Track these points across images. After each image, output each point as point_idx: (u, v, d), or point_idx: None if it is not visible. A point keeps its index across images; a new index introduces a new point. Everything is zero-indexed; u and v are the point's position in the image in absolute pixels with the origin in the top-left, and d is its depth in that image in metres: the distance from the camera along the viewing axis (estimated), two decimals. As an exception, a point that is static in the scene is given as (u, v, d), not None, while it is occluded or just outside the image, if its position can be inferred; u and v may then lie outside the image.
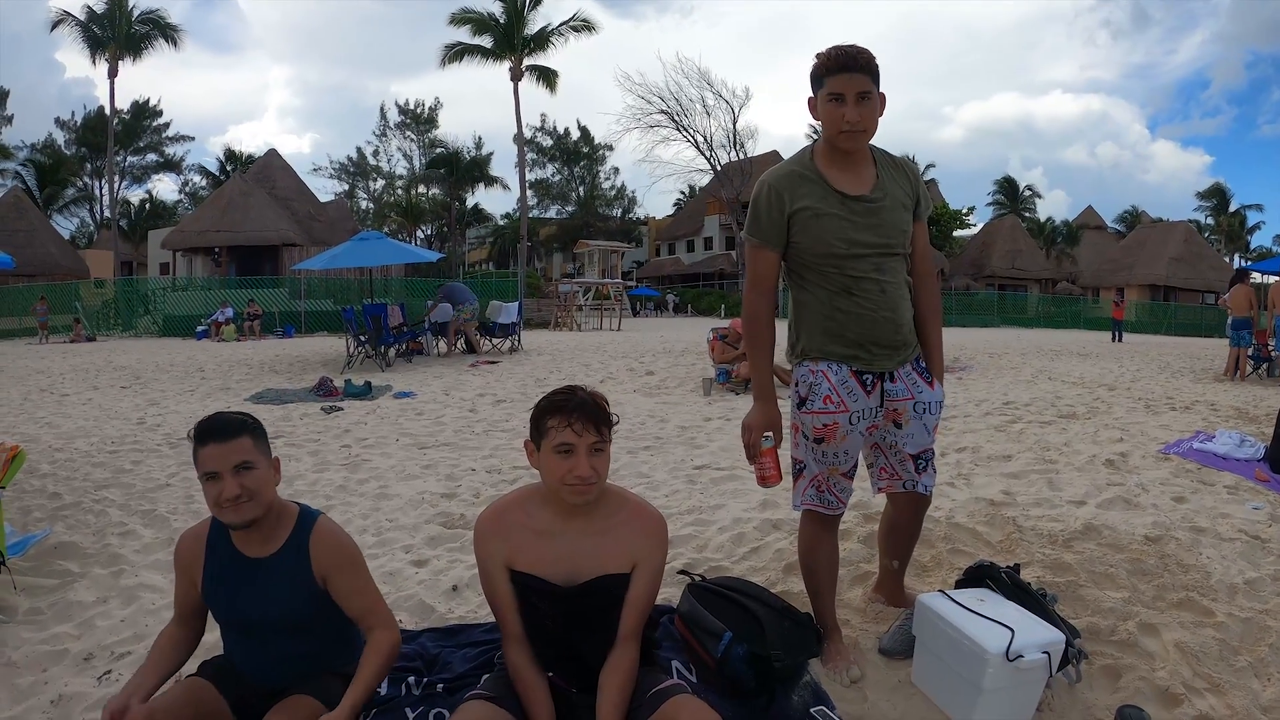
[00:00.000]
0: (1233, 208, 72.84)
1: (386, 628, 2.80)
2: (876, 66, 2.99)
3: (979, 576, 3.41)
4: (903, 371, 3.22)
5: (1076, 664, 3.06)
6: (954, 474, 6.37)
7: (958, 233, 63.56)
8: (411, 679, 3.28)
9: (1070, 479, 6.20)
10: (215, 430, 2.63)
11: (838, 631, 3.44)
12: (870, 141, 3.12)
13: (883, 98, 3.06)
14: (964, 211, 65.85)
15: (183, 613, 2.87)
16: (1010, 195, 73.42)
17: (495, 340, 20.05)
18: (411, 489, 6.44)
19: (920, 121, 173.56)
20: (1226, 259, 62.93)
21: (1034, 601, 3.20)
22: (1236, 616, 3.71)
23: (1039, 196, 76.43)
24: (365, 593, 2.82)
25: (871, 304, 3.11)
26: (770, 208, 3.13)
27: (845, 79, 2.96)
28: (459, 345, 19.15)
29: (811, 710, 2.82)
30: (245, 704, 2.69)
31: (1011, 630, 2.85)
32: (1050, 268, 63.14)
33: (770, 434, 3.20)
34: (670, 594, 3.86)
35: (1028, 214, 72.05)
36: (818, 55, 3.03)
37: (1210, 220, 72.83)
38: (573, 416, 2.53)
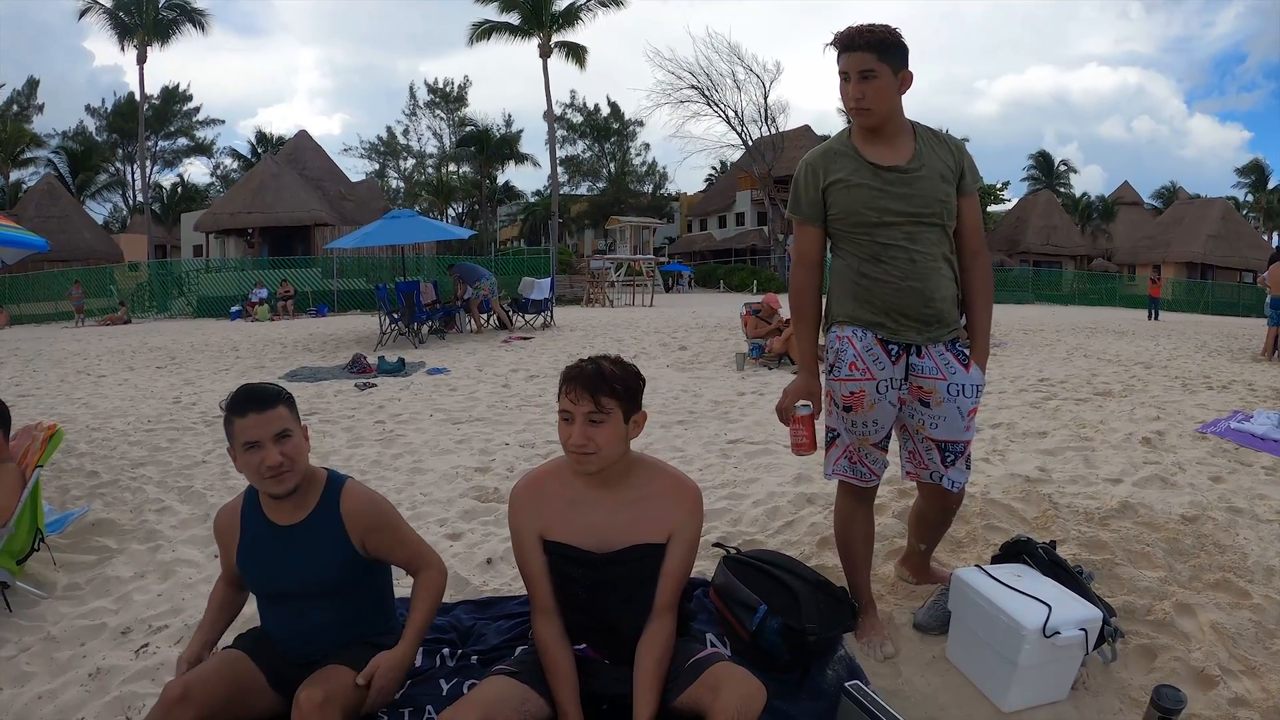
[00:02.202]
0: (1271, 185, 71.47)
1: (432, 567, 2.92)
2: (886, 42, 3.00)
3: (1015, 552, 3.39)
4: (934, 349, 3.18)
5: (1112, 642, 3.04)
6: (989, 450, 6.34)
7: (992, 208, 63.00)
8: (446, 650, 3.32)
9: (1106, 457, 6.14)
10: (253, 400, 2.65)
11: (873, 606, 3.44)
12: (892, 115, 3.10)
13: (907, 75, 3.07)
14: (998, 186, 65.28)
15: (229, 579, 2.97)
16: (1045, 170, 72.48)
17: (528, 316, 20.13)
18: (445, 463, 6.49)
19: (954, 95, 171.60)
20: (1265, 237, 61.87)
21: (1071, 578, 3.19)
22: (1273, 599, 3.67)
23: (1074, 171, 75.65)
24: (406, 541, 2.91)
25: (899, 272, 3.10)
26: (808, 184, 3.21)
27: (847, 58, 3.03)
28: (490, 321, 19.18)
29: (846, 684, 2.81)
30: (281, 676, 2.71)
31: (1049, 606, 2.83)
32: (1086, 244, 62.43)
33: (808, 403, 3.22)
34: (705, 566, 3.87)
35: (1063, 189, 71.06)
36: None
37: (1249, 197, 71.52)
38: (571, 385, 2.58)
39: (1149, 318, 29.33)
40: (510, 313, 19.73)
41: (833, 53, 3.08)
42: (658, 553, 2.71)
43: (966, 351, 3.25)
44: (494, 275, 20.42)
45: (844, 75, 3.04)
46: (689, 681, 2.52)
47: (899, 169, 3.08)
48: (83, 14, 45.95)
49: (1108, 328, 21.90)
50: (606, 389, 2.56)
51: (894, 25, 3.05)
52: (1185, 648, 3.24)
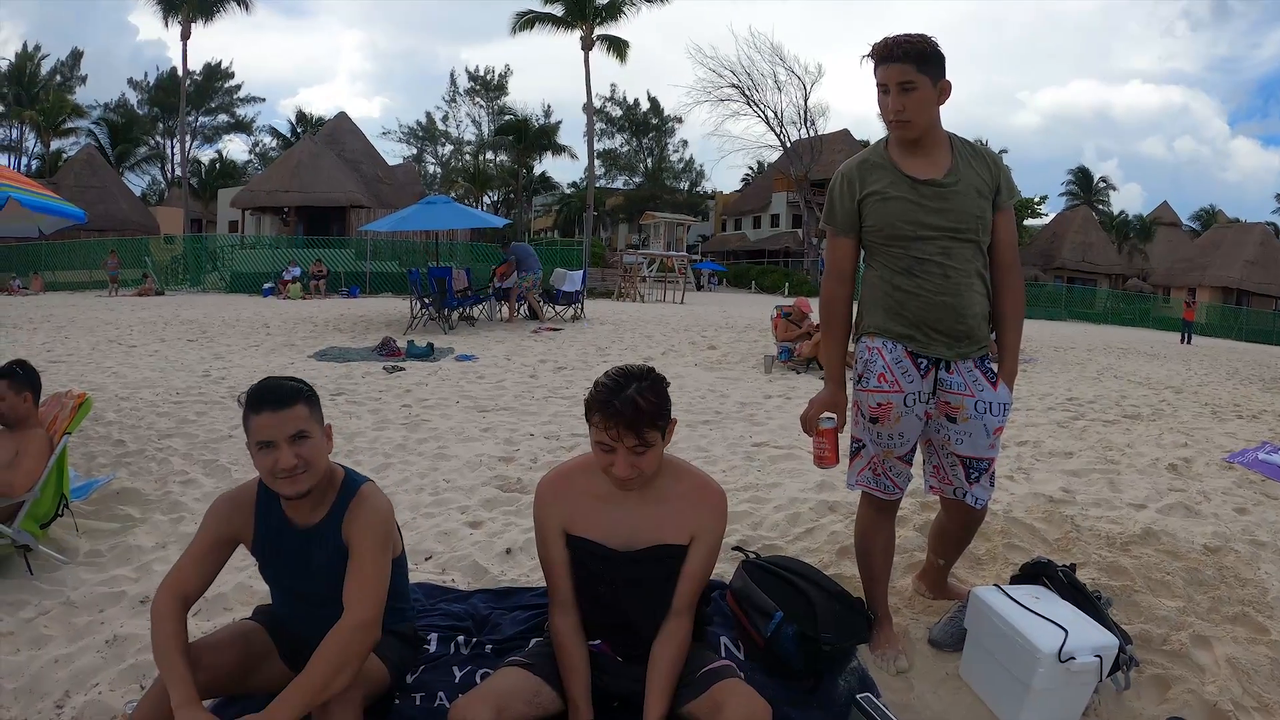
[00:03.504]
0: (1313, 211, 70.78)
1: (358, 620, 2.45)
2: (926, 53, 2.97)
3: (1035, 574, 3.38)
4: (962, 365, 3.16)
5: (1126, 671, 3.02)
6: (1014, 467, 6.31)
7: (1029, 222, 62.60)
8: (461, 638, 3.35)
9: (1131, 481, 6.10)
10: (271, 397, 2.51)
11: (888, 619, 3.43)
12: (931, 127, 3.08)
13: (945, 85, 3.04)
14: (1036, 200, 64.85)
15: (186, 578, 2.59)
16: (1084, 186, 71.91)
17: (558, 307, 20.15)
18: (470, 451, 6.53)
19: (995, 105, 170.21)
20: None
21: (1089, 603, 3.17)
22: (1292, 635, 3.63)
23: (1113, 189, 74.71)
24: (360, 574, 2.53)
25: (932, 286, 3.09)
26: (843, 195, 3.21)
27: (884, 70, 3.00)
28: (521, 311, 19.21)
29: (857, 696, 2.82)
30: (296, 653, 2.68)
31: (1065, 630, 2.82)
32: (1121, 263, 61.94)
33: (832, 415, 3.24)
34: (724, 569, 3.87)
35: (1101, 206, 70.51)
36: None
37: (1289, 224, 70.80)
38: (611, 421, 2.49)
39: (1182, 341, 29.13)
40: (541, 303, 19.72)
41: (869, 64, 3.07)
42: (679, 553, 2.72)
43: (995, 369, 3.23)
44: (541, 269, 20.28)
45: (882, 87, 3.02)
46: (697, 693, 2.54)
47: (936, 183, 3.06)
48: (128, -12, 46.39)
49: (1139, 349, 21.73)
50: (648, 422, 2.51)
51: (932, 34, 3.02)
52: (1199, 680, 3.20)
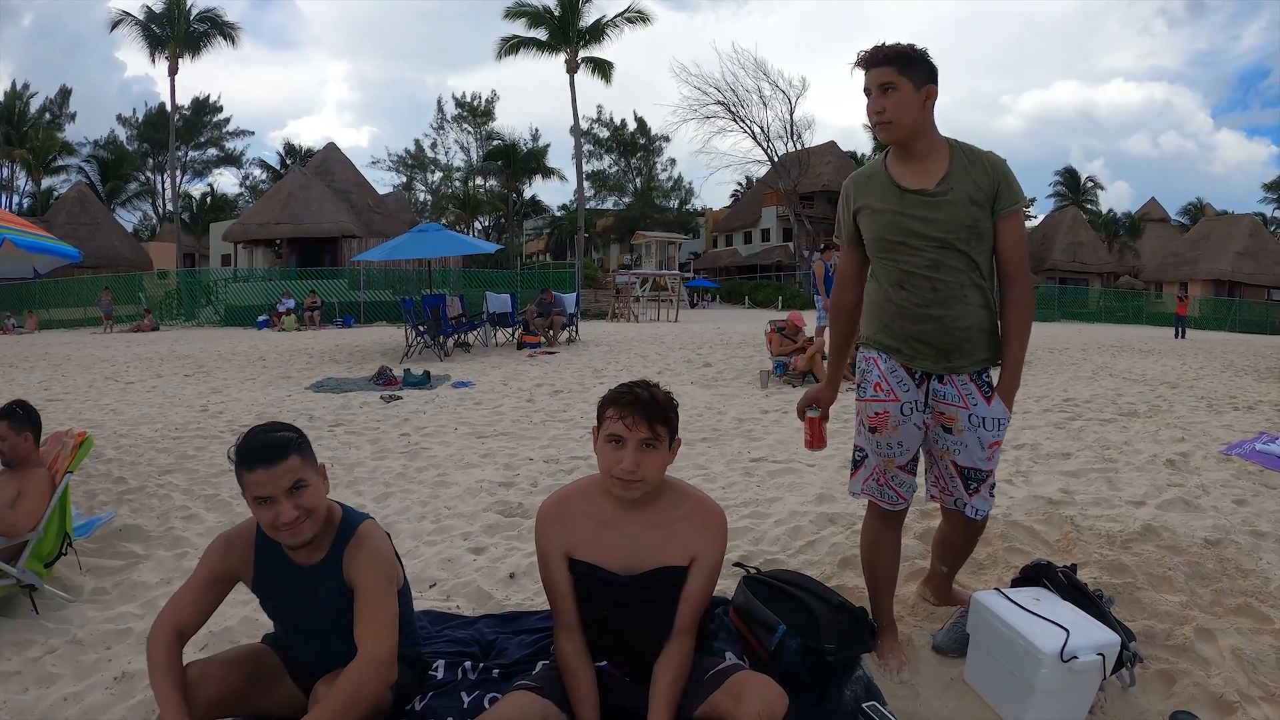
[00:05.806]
0: (1300, 200, 71.01)
1: (371, 658, 2.49)
2: (906, 56, 3.00)
3: (1035, 576, 3.39)
4: (957, 378, 3.15)
5: (1131, 667, 3.04)
6: (1012, 471, 6.33)
7: (1019, 225, 62.59)
8: (468, 664, 3.35)
9: (1130, 479, 6.12)
10: (263, 453, 2.47)
11: (893, 627, 3.44)
12: (920, 133, 3.06)
13: (930, 90, 3.03)
14: (1025, 203, 64.89)
15: (182, 612, 2.62)
16: (1072, 186, 72.09)
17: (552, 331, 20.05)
18: (470, 477, 6.52)
19: (979, 111, 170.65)
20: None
21: (1090, 602, 3.18)
22: (1295, 625, 3.64)
23: (1101, 188, 74.81)
24: (371, 615, 2.56)
25: (919, 299, 3.09)
26: (843, 209, 3.32)
27: (868, 75, 3.04)
28: (556, 336, 19.21)
29: (863, 705, 2.83)
30: (306, 674, 2.72)
31: (1066, 631, 2.83)
32: (1112, 261, 62.13)
33: (818, 406, 3.45)
34: (726, 585, 3.88)
35: (1090, 206, 70.68)
36: None
37: (1277, 213, 71.05)
38: (626, 410, 2.57)
39: (1175, 336, 29.20)
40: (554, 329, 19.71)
41: (859, 76, 3.10)
42: (681, 575, 2.74)
43: (993, 384, 3.20)
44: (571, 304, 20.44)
45: (866, 91, 3.06)
46: (710, 690, 2.55)
47: (925, 192, 3.05)
48: (114, 25, 46.55)
49: (1134, 346, 21.74)
50: (661, 416, 2.59)
51: (919, 44, 3.05)
52: (1205, 673, 3.21)
